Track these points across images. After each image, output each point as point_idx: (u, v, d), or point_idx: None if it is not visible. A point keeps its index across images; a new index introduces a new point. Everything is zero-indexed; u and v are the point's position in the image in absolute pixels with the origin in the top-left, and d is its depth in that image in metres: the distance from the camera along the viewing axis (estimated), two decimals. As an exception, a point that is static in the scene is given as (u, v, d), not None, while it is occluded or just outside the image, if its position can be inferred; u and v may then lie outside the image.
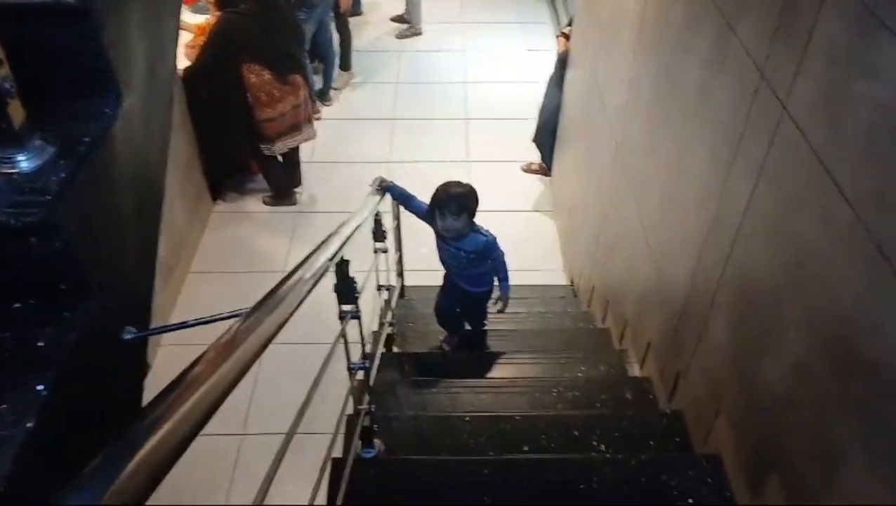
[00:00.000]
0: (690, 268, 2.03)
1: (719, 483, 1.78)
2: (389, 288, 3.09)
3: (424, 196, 2.67)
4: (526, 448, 2.09)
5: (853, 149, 1.23)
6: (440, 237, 2.66)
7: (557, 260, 4.32)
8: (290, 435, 1.34)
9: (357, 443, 1.90)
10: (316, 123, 4.61)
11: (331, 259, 1.57)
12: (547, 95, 4.54)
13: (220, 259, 4.21)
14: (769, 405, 1.55)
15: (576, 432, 2.14)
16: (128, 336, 1.21)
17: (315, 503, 1.47)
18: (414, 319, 3.42)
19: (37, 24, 1.04)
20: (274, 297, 1.13)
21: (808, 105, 1.39)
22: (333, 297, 1.74)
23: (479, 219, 2.61)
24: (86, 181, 1.03)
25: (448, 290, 2.93)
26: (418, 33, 6.47)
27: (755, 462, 1.64)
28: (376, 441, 2.00)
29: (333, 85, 5.56)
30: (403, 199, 2.76)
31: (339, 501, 1.67)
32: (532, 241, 4.34)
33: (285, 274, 1.29)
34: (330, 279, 1.64)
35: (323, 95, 5.45)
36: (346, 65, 5.70)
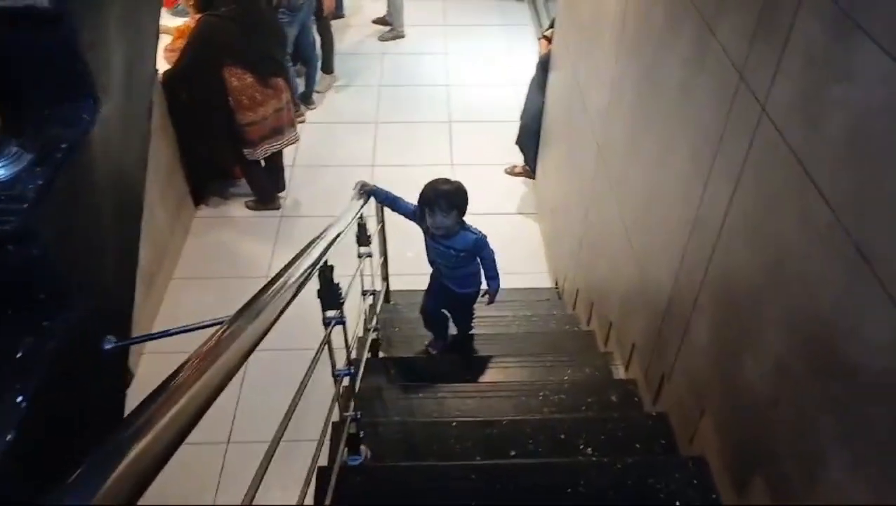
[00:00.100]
0: (673, 269, 2.04)
1: (705, 485, 1.79)
2: (374, 293, 3.08)
3: (409, 199, 2.66)
4: (513, 453, 2.09)
5: (832, 150, 1.24)
6: (430, 236, 2.65)
7: (542, 262, 4.33)
8: (275, 442, 1.33)
9: (343, 450, 1.89)
10: (299, 127, 4.60)
11: (314, 264, 1.56)
12: (528, 98, 4.55)
13: (203, 265, 4.17)
14: (752, 406, 1.56)
15: (562, 436, 2.14)
16: (108, 345, 1.19)
17: (301, 511, 1.46)
18: (400, 323, 3.41)
19: (11, 30, 1.03)
20: (257, 303, 1.12)
21: (786, 106, 1.40)
22: (318, 302, 1.73)
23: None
24: (63, 188, 1.01)
25: (434, 291, 2.92)
26: (401, 36, 6.47)
27: (740, 463, 1.65)
28: (362, 448, 1.99)
29: (316, 88, 5.55)
30: (389, 201, 2.75)
31: (326, 508, 1.66)
32: (516, 243, 4.35)
33: (269, 279, 1.28)
34: (314, 284, 1.63)
35: (306, 99, 5.43)
36: (328, 68, 5.68)
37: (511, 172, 4.96)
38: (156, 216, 3.79)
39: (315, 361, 1.64)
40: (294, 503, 1.47)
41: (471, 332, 3.13)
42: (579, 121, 3.40)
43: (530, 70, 4.61)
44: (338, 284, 1.72)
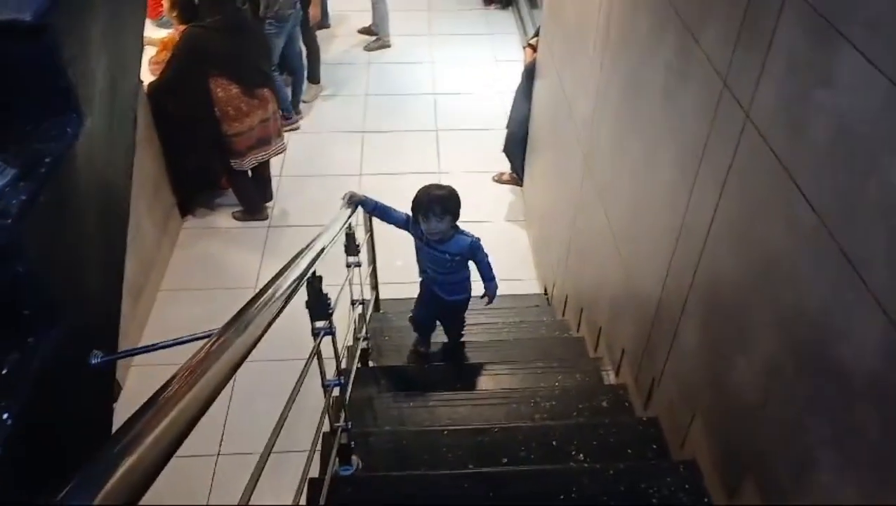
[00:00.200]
0: (661, 275, 2.05)
1: (697, 489, 1.79)
2: (363, 302, 3.07)
3: (397, 208, 2.66)
4: (505, 460, 2.08)
5: (815, 155, 1.26)
6: (423, 242, 2.64)
7: (531, 269, 4.34)
8: (266, 454, 1.32)
9: (334, 461, 1.88)
10: (286, 136, 4.59)
11: (303, 275, 1.56)
12: (515, 106, 4.57)
13: (190, 276, 4.15)
14: (741, 409, 1.57)
15: (554, 443, 2.14)
16: (95, 360, 1.18)
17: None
18: (389, 332, 3.40)
19: (-7, 44, 1.02)
20: (245, 315, 1.11)
21: (770, 112, 1.42)
22: (307, 313, 1.72)
23: (453, 229, 2.61)
24: (48, 203, 1.00)
25: (425, 300, 2.92)
26: (387, 45, 6.48)
27: (730, 466, 1.66)
28: (354, 458, 1.98)
29: (303, 98, 5.55)
30: (379, 211, 2.71)
31: (317, 520, 1.65)
32: (505, 250, 4.35)
33: (257, 290, 1.27)
34: (303, 295, 1.63)
35: (294, 108, 5.43)
36: (314, 78, 5.68)
37: (498, 179, 4.97)
38: (142, 228, 3.77)
39: (305, 372, 1.63)
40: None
41: (461, 339, 3.13)
42: (565, 128, 3.42)
43: (516, 78, 4.63)
44: (326, 295, 1.71)
